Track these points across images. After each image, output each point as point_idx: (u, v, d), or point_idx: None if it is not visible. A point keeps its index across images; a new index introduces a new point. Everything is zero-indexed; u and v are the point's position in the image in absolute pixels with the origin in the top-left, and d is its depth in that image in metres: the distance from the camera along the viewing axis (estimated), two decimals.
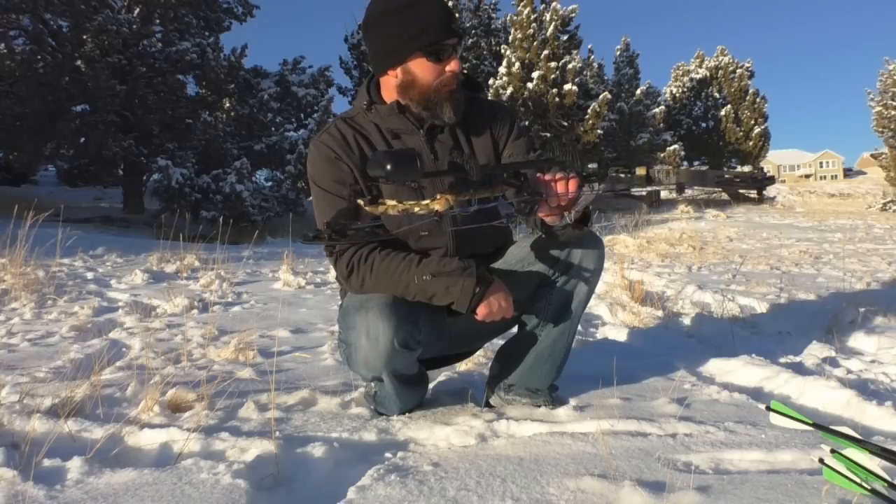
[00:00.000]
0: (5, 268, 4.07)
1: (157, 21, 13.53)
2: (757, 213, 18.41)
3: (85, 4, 11.83)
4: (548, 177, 1.43)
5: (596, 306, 3.83)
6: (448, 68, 1.67)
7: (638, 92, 23.84)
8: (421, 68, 1.68)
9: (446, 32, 1.66)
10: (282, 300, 4.06)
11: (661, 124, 23.01)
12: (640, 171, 17.86)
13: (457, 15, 20.59)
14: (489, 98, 2.05)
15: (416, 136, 1.76)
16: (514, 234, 1.97)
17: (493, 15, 22.31)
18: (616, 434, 1.65)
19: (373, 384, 1.83)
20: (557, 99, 17.79)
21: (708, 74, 27.38)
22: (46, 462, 1.47)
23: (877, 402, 1.86)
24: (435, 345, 1.85)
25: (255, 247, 7.28)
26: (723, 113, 26.10)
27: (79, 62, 11.98)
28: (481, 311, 1.62)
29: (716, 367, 2.39)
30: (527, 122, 17.46)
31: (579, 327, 3.30)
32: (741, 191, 23.87)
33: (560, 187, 1.43)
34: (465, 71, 1.81)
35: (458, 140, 1.81)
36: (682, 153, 24.22)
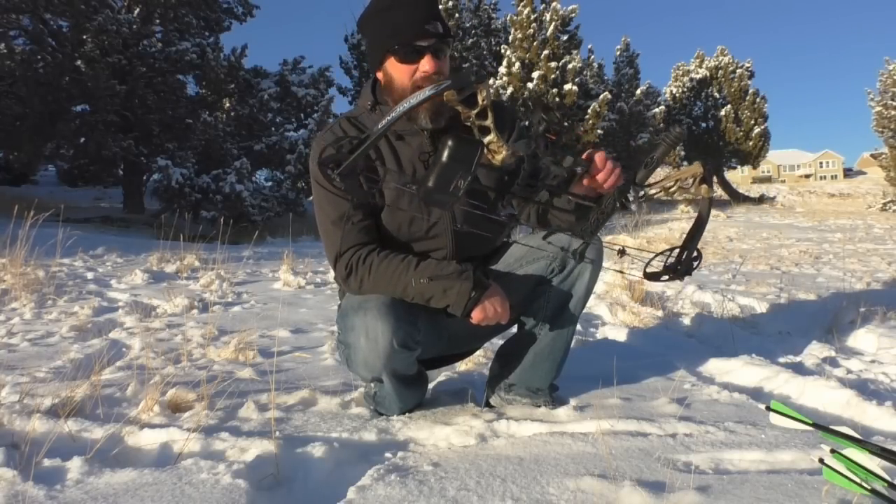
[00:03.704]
0: (5, 268, 4.07)
1: (157, 21, 13.51)
2: (757, 213, 18.41)
3: (85, 4, 11.82)
4: (599, 158, 1.49)
5: (596, 306, 3.83)
6: (420, 68, 1.65)
7: (638, 92, 23.82)
8: (395, 70, 1.68)
9: (417, 32, 1.63)
10: (282, 300, 4.06)
11: (661, 124, 22.99)
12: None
13: (456, 15, 20.58)
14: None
15: (419, 137, 1.76)
16: (514, 234, 1.97)
17: (493, 15, 22.26)
18: (616, 434, 1.65)
19: (372, 384, 1.83)
20: (557, 99, 17.77)
21: (708, 74, 27.32)
22: (46, 462, 1.46)
23: (877, 402, 1.86)
24: (434, 345, 1.85)
25: (255, 247, 7.28)
26: (723, 113, 26.05)
27: (79, 62, 11.96)
28: (476, 315, 1.62)
29: (716, 367, 2.39)
30: (527, 123, 17.43)
31: (579, 327, 3.29)
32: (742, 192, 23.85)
33: (604, 172, 1.49)
34: (465, 66, 1.81)
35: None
36: (683, 153, 24.20)
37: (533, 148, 1.36)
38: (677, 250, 1.54)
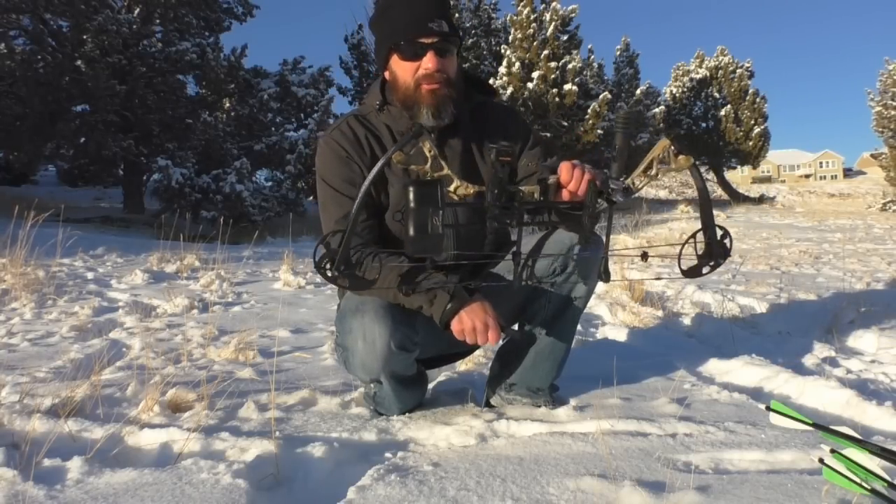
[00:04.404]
0: (5, 268, 4.07)
1: (157, 21, 13.51)
2: (757, 213, 18.41)
3: (85, 4, 11.82)
4: (564, 167, 1.46)
5: (596, 306, 3.83)
6: (422, 66, 1.65)
7: (638, 92, 23.82)
8: (399, 67, 1.69)
9: (420, 30, 1.64)
10: (282, 300, 4.06)
11: (661, 124, 22.99)
12: None
13: (456, 15, 20.55)
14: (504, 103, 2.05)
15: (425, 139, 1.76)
16: (513, 235, 1.97)
17: (493, 15, 22.25)
18: (616, 434, 1.65)
19: (372, 385, 1.83)
20: (557, 99, 17.75)
21: (708, 74, 27.32)
22: (46, 462, 1.47)
23: (877, 402, 1.86)
24: (434, 344, 1.84)
25: (255, 247, 7.28)
26: (723, 113, 26.05)
27: (79, 62, 11.96)
28: (455, 328, 1.58)
29: (716, 367, 2.39)
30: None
31: (579, 327, 3.28)
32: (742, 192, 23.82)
33: (574, 182, 1.45)
34: (466, 67, 1.81)
35: (470, 146, 1.80)
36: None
37: (497, 175, 1.37)
38: (700, 234, 1.50)
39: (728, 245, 1.51)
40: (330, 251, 1.34)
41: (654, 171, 1.44)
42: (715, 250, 1.50)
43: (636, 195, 1.53)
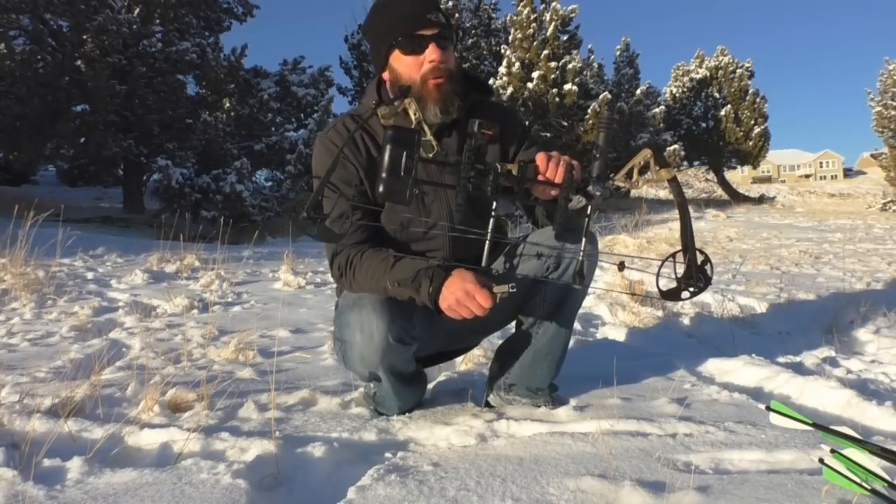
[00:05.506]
0: (5, 268, 4.07)
1: (157, 21, 13.50)
2: (757, 213, 18.41)
3: (85, 4, 11.81)
4: (540, 156, 1.48)
5: (596, 306, 3.83)
6: (426, 58, 1.64)
7: (638, 92, 23.79)
8: (400, 64, 1.68)
9: (419, 23, 1.63)
10: (282, 300, 4.06)
11: (661, 124, 22.96)
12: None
13: (456, 15, 20.53)
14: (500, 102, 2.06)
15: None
16: (511, 232, 1.97)
17: (493, 15, 22.25)
18: (616, 434, 1.65)
19: (371, 384, 1.83)
20: (557, 99, 17.74)
21: (708, 74, 27.29)
22: (46, 462, 1.47)
23: (877, 402, 1.86)
24: (432, 341, 1.84)
25: (255, 247, 7.28)
26: (723, 113, 26.02)
27: (79, 62, 11.95)
28: (444, 307, 1.55)
29: (716, 367, 2.39)
30: (527, 122, 17.40)
31: (579, 327, 3.28)
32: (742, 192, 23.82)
33: (550, 169, 1.47)
34: (466, 67, 1.82)
35: (465, 145, 1.80)
36: (683, 153, 24.20)
37: (476, 142, 1.38)
38: (680, 254, 1.48)
39: (709, 272, 1.49)
40: (303, 194, 1.35)
41: (634, 178, 1.45)
42: (695, 274, 1.48)
43: (626, 194, 1.53)
